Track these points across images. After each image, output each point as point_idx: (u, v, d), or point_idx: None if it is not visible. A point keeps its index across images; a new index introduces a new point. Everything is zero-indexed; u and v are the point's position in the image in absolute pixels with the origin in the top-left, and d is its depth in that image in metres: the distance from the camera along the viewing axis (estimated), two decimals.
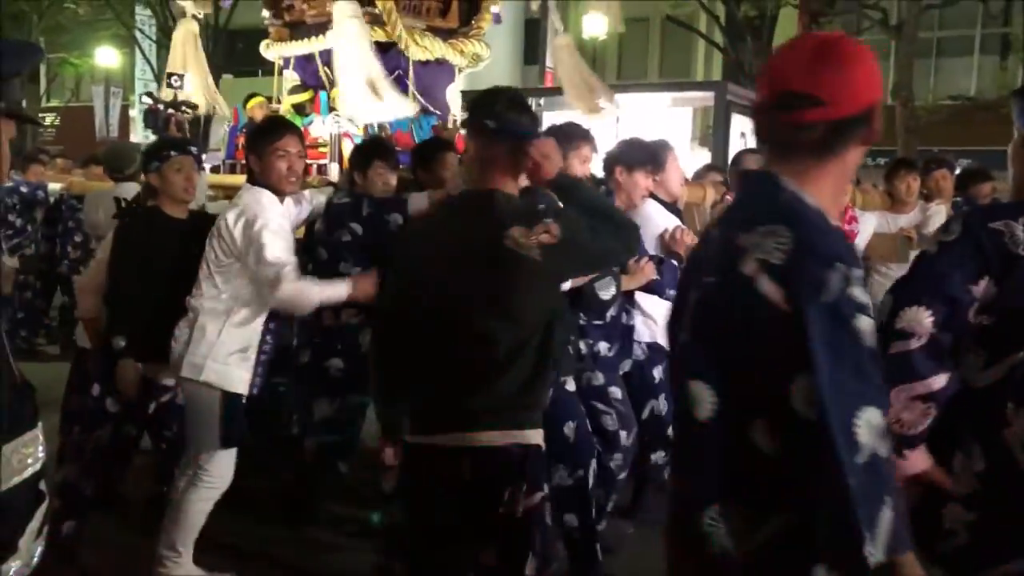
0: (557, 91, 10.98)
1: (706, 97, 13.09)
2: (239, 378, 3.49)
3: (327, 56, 6.86)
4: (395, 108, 6.10)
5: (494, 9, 7.19)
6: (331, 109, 6.44)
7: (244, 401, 3.56)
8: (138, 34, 22.02)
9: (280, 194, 3.57)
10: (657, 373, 4.12)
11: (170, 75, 7.18)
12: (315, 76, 7.12)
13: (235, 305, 3.48)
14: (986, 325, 1.99)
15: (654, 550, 1.93)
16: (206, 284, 3.50)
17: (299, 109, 6.91)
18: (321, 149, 6.22)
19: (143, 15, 22.03)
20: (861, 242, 5.24)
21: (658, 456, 4.23)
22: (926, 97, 17.41)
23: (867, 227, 5.35)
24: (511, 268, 2.32)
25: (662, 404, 4.11)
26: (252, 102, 8.05)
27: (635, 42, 24.37)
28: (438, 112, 6.99)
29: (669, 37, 23.41)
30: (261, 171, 3.53)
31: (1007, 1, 17.14)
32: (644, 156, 4.06)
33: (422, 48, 6.62)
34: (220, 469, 3.51)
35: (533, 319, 2.36)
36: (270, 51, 7.35)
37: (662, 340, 3.71)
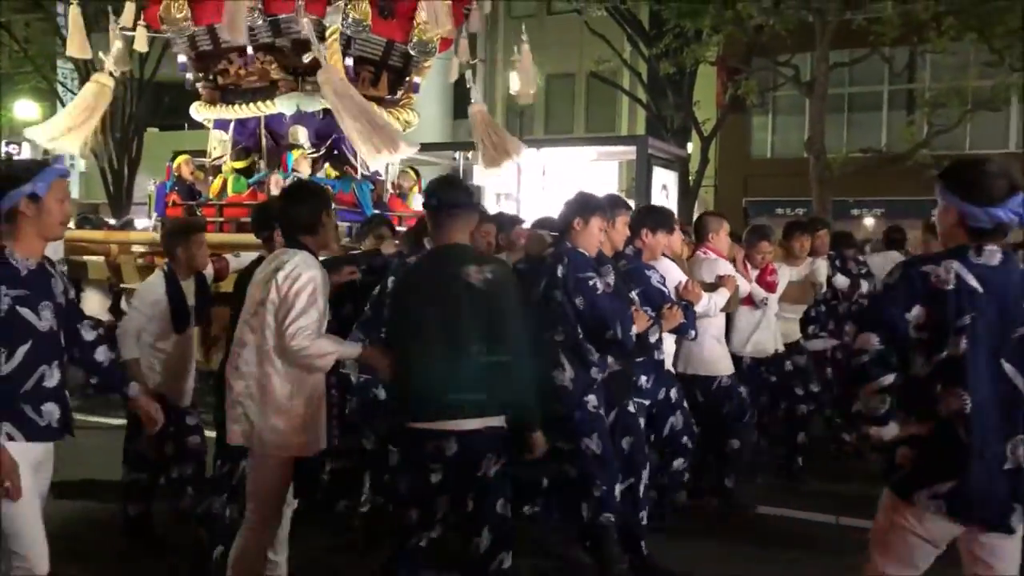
0: None
1: (629, 151, 13.47)
2: None
3: (275, 121, 7.07)
4: (402, 150, 6.58)
5: (416, 80, 7.59)
6: (294, 170, 6.65)
7: None
8: (60, 87, 21.76)
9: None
10: (673, 394, 4.97)
11: (9, 142, 7.38)
12: (254, 139, 7.29)
13: None
14: (922, 338, 2.84)
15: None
16: None
17: (243, 172, 7.04)
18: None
19: (65, 68, 21.80)
20: (780, 290, 6.04)
21: (679, 463, 5.05)
22: (839, 150, 18.09)
23: (783, 278, 6.14)
24: (466, 297, 3.35)
25: (678, 419, 4.99)
26: (179, 159, 8.11)
27: (561, 97, 24.95)
28: (380, 175, 7.25)
29: (594, 92, 24.03)
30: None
31: (910, 59, 18.01)
32: (663, 218, 5.06)
33: None
34: None
35: (483, 335, 3.35)
36: (201, 113, 7.46)
37: (670, 367, 5.05)
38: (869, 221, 21.12)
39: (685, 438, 5.02)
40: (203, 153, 8.14)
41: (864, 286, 7.02)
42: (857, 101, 22.38)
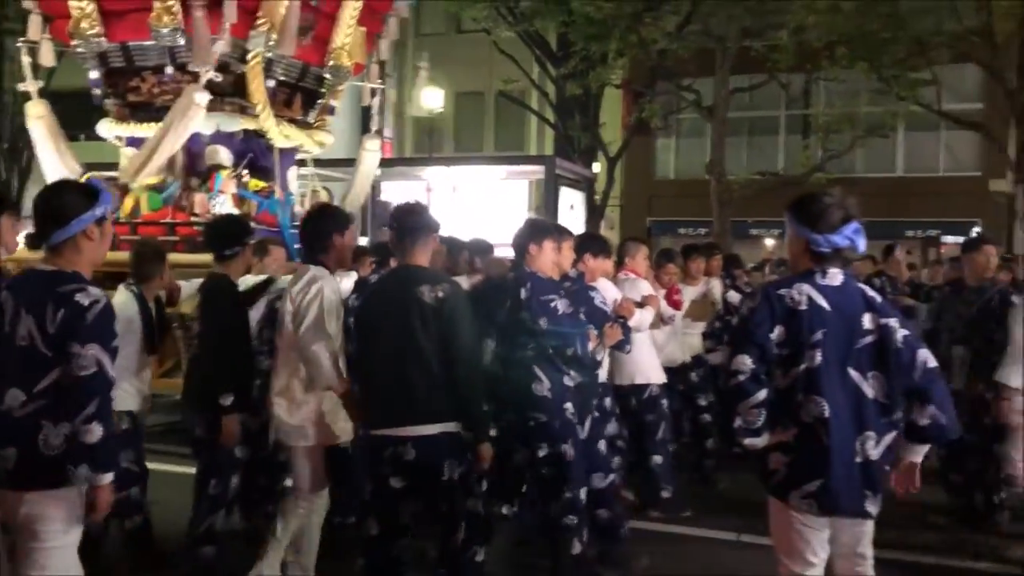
0: (392, 161, 11.35)
1: (537, 170, 13.72)
2: None
3: (192, 140, 7.04)
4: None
5: (332, 103, 7.70)
6: (220, 191, 6.65)
7: None
8: None
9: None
10: (607, 403, 5.39)
11: None
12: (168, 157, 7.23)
13: None
14: (783, 354, 3.18)
15: None
16: None
17: (155, 188, 6.98)
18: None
19: None
20: (684, 308, 6.63)
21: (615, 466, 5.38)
22: (739, 172, 18.71)
23: (687, 297, 6.77)
24: (419, 313, 3.69)
25: (613, 427, 5.45)
26: (83, 177, 7.95)
27: (470, 115, 25.10)
28: (292, 193, 7.29)
29: (503, 111, 24.25)
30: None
31: (806, 86, 18.77)
32: (603, 245, 5.55)
33: (285, 136, 7.02)
34: None
35: (437, 349, 3.67)
36: (112, 130, 7.36)
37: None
38: (768, 241, 21.87)
39: (619, 442, 5.62)
40: (104, 167, 7.99)
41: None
42: (756, 125, 23.18)
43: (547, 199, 13.03)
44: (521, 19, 17.57)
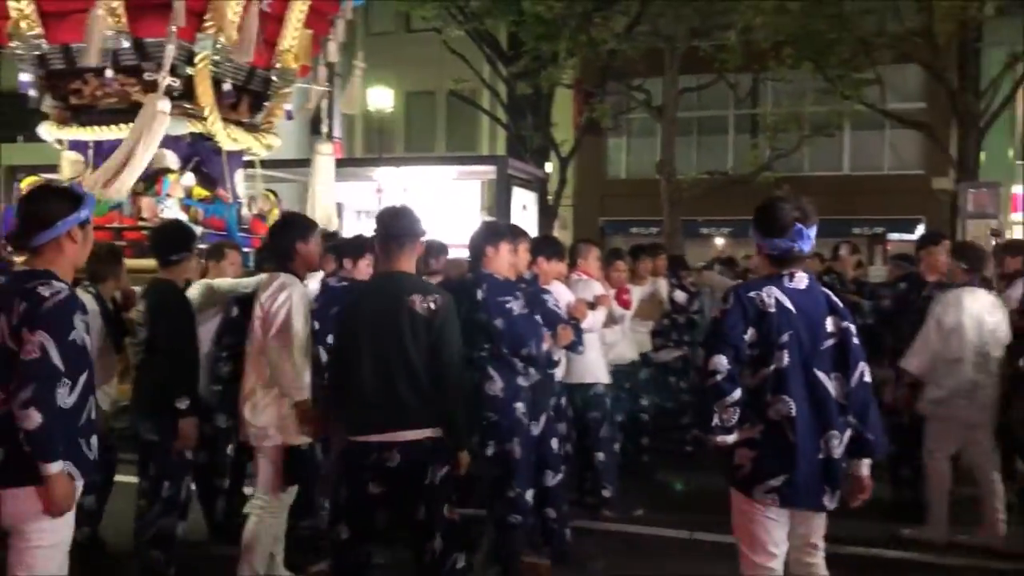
0: (341, 162, 11.26)
1: (489, 170, 13.67)
2: None
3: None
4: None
5: (287, 107, 7.61)
6: (168, 194, 6.56)
7: None
8: None
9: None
10: (561, 402, 5.58)
11: None
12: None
13: None
14: (753, 354, 3.32)
15: None
16: None
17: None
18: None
19: None
20: (633, 306, 6.79)
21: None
22: (689, 172, 18.89)
23: (636, 296, 6.94)
24: (410, 321, 3.66)
25: (563, 427, 5.56)
26: (27, 181, 7.81)
27: (421, 115, 25.00)
28: (240, 199, 7.20)
29: (455, 110, 24.17)
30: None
31: (753, 86, 18.99)
32: (557, 248, 5.72)
33: (233, 139, 6.93)
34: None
35: (426, 357, 3.66)
36: (53, 133, 7.21)
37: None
38: (718, 240, 22.11)
39: (568, 445, 5.75)
40: (43, 169, 7.83)
41: (696, 304, 8.16)
42: (706, 125, 23.42)
43: (499, 199, 12.99)
44: (471, 18, 17.55)
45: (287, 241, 4.43)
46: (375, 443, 3.65)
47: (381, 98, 20.46)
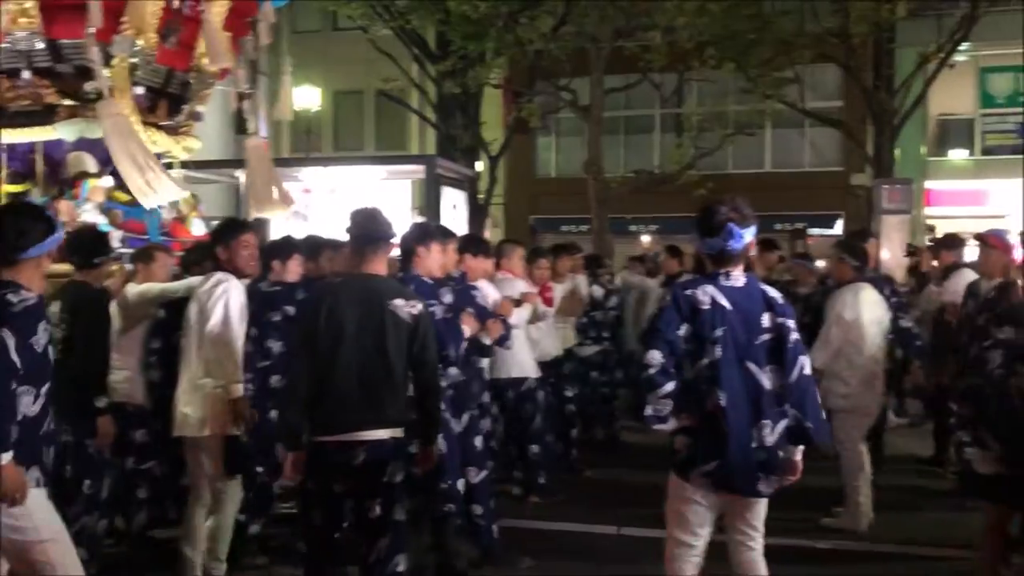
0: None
1: (418, 170, 13.66)
2: None
3: (53, 146, 6.74)
4: (171, 191, 6.72)
5: (199, 108, 7.52)
6: (87, 198, 6.43)
7: None
8: None
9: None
10: (486, 398, 5.68)
11: None
12: (26, 164, 6.90)
13: None
14: (689, 349, 3.51)
15: None
16: None
17: (18, 196, 6.72)
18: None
19: None
20: (556, 304, 7.05)
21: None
22: (616, 170, 19.11)
23: (558, 294, 7.25)
24: (393, 325, 3.79)
25: (488, 422, 5.65)
26: None
27: (350, 114, 24.82)
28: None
29: (384, 110, 24.04)
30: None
31: (678, 85, 19.27)
32: (484, 245, 5.89)
33: (152, 142, 6.82)
34: None
35: (403, 360, 3.82)
36: None
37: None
38: (644, 237, 22.42)
39: (494, 441, 5.95)
40: None
41: (613, 300, 8.43)
42: (632, 124, 23.73)
43: (429, 199, 13.00)
44: (397, 17, 17.47)
45: (218, 242, 4.75)
46: (345, 442, 3.75)
47: (308, 97, 20.27)
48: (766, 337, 3.53)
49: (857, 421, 5.89)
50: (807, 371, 3.58)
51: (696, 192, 15.65)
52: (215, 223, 5.62)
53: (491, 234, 20.59)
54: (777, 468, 3.54)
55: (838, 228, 22.14)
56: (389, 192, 13.01)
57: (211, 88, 7.95)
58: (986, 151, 21.66)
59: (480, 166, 19.65)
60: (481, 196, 18.17)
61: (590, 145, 16.94)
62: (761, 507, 3.66)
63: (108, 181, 6.86)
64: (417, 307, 3.89)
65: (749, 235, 3.59)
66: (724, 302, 3.51)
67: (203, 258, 5.23)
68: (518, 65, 18.12)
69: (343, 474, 3.76)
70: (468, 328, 4.91)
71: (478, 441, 5.13)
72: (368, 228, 3.95)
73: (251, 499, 5.14)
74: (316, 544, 3.92)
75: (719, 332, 3.47)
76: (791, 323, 3.57)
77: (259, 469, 5.19)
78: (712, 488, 3.54)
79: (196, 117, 7.80)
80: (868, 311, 5.79)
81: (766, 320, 3.55)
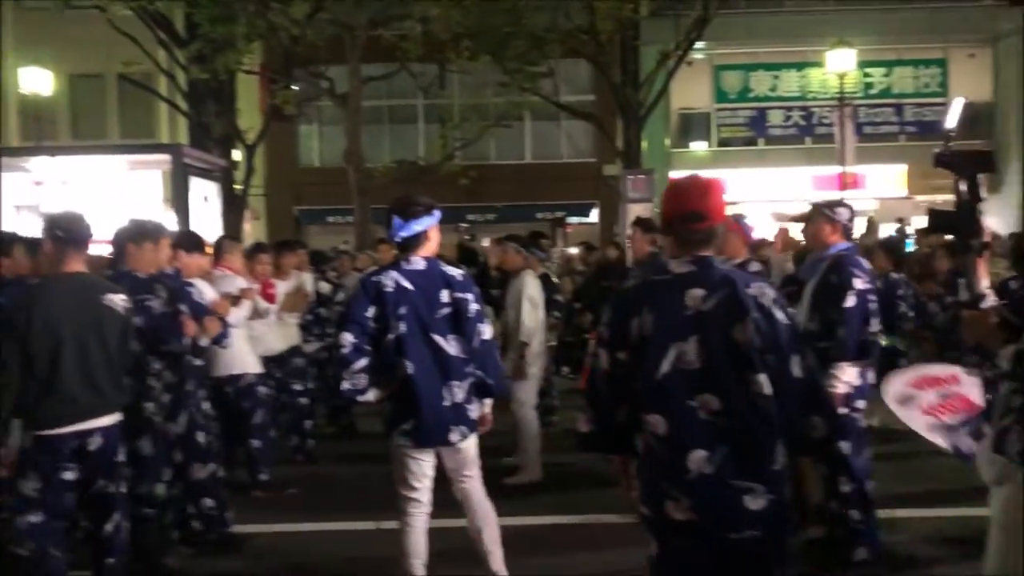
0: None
1: (165, 160, 12.89)
2: None
3: None
4: None
5: None
6: None
7: None
8: None
9: None
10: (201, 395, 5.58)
11: None
12: None
13: None
14: (379, 327, 4.02)
15: None
16: None
17: None
18: None
19: None
20: (279, 301, 7.07)
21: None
22: (382, 160, 18.97)
23: (281, 290, 7.20)
24: (112, 319, 4.12)
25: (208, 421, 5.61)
26: None
27: (89, 99, 22.98)
28: None
29: (129, 95, 22.45)
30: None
31: (439, 76, 19.38)
32: (197, 241, 5.91)
33: None
34: None
35: (122, 349, 4.18)
36: None
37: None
38: None
39: (212, 437, 5.85)
40: None
41: (340, 294, 8.57)
42: (395, 114, 23.67)
43: (177, 190, 12.29)
44: None
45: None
46: (77, 432, 4.02)
47: (37, 80, 18.64)
48: (446, 311, 4.08)
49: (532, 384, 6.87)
50: (485, 336, 4.16)
51: (460, 182, 15.83)
52: None
53: (251, 226, 19.86)
54: (467, 421, 4.12)
55: (594, 216, 23.18)
56: (136, 184, 12.23)
57: None
58: (722, 143, 23.42)
59: (238, 155, 18.87)
60: (239, 187, 17.46)
61: (349, 135, 16.70)
62: (467, 456, 4.23)
63: None
64: (126, 300, 4.23)
65: (419, 226, 4.10)
66: (406, 284, 4.04)
67: None
68: (274, 51, 17.55)
69: (76, 460, 4.05)
70: (188, 330, 4.95)
71: (200, 437, 5.26)
72: (73, 231, 4.15)
73: None
74: (41, 541, 4.03)
75: (403, 310, 3.99)
76: (470, 296, 4.12)
77: None
78: (412, 444, 4.06)
79: None
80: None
81: (445, 296, 4.08)
